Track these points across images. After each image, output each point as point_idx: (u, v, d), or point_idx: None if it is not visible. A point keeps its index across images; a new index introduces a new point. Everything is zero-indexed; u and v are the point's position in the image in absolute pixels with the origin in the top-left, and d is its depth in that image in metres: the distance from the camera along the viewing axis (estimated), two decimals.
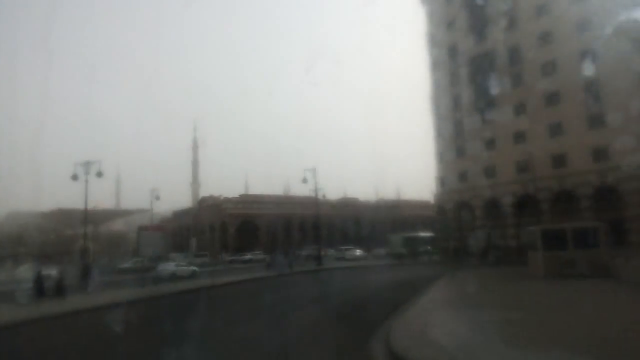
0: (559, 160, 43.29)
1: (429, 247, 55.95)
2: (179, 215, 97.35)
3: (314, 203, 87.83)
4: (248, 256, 60.83)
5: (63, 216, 73.48)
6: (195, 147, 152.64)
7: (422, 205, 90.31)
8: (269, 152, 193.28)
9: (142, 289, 23.31)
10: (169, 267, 36.76)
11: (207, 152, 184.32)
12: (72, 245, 70.95)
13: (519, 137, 46.62)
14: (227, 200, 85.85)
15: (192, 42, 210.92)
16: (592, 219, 41.31)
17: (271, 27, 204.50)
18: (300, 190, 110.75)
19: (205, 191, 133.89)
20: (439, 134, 57.02)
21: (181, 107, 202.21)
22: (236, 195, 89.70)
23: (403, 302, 15.21)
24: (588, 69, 41.50)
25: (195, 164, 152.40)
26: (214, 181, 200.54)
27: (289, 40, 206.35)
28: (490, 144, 49.40)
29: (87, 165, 27.33)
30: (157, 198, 61.10)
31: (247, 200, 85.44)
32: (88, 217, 34.57)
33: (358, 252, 64.27)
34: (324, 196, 73.46)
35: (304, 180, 46.35)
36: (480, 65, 51.04)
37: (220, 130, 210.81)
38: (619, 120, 39.50)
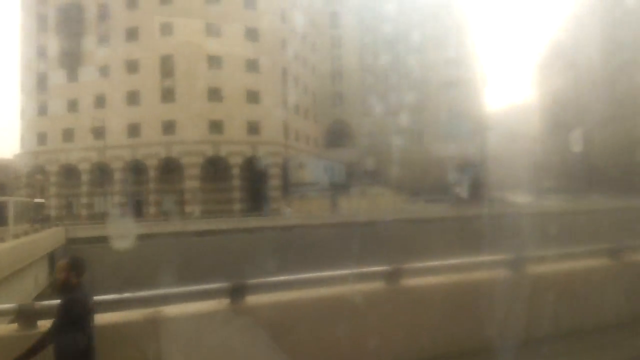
0: (134, 130, 43.09)
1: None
2: None
3: None
4: None
5: None
6: None
7: None
8: None
9: None
10: None
11: None
12: None
13: (100, 100, 44.17)
14: None
15: None
16: (158, 190, 43.15)
17: None
18: None
19: None
20: (22, 86, 49.12)
21: None
22: None
23: None
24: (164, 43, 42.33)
25: None
26: None
27: None
28: (73, 104, 45.30)
29: None
30: None
31: None
32: None
33: None
34: None
35: None
36: (70, 16, 45.82)
37: None
38: (186, 97, 42.01)
